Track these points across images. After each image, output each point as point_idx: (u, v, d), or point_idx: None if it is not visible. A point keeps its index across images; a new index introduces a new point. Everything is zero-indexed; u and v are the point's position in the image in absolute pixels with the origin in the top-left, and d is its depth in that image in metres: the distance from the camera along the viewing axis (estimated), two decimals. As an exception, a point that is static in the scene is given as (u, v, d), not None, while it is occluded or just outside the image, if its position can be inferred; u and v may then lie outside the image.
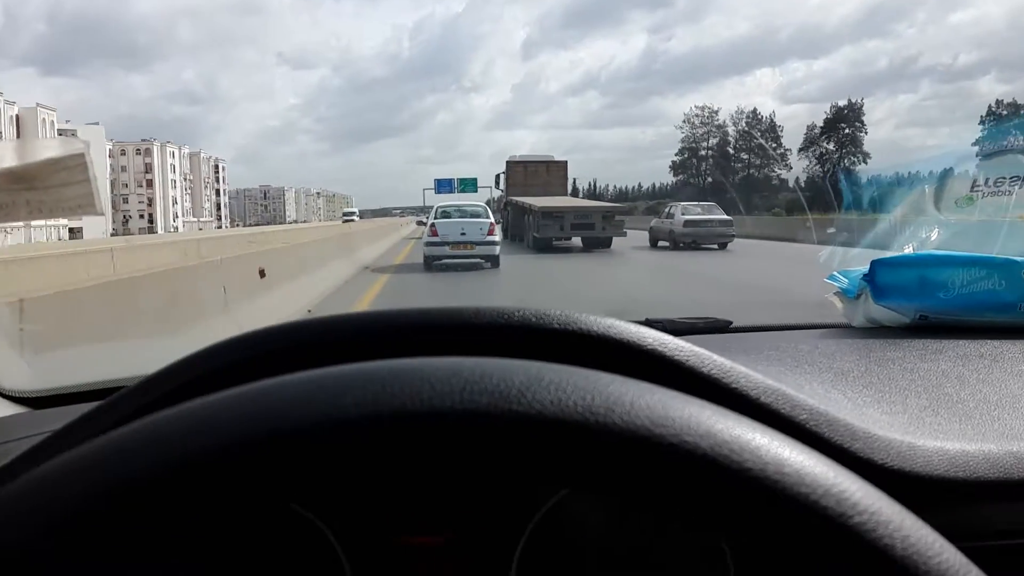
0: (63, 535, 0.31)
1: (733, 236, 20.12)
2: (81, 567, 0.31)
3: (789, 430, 0.49)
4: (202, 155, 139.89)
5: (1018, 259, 1.05)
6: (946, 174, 1.41)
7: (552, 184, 28.90)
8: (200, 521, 0.32)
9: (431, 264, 14.56)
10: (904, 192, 1.36)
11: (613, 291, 10.40)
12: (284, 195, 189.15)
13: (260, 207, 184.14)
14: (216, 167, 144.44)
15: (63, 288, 3.65)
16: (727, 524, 0.33)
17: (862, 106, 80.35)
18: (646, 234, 23.02)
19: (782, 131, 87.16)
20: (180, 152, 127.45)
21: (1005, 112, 66.39)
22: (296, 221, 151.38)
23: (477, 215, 15.38)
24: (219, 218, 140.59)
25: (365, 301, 9.19)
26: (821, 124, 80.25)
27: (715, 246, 19.88)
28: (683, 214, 20.78)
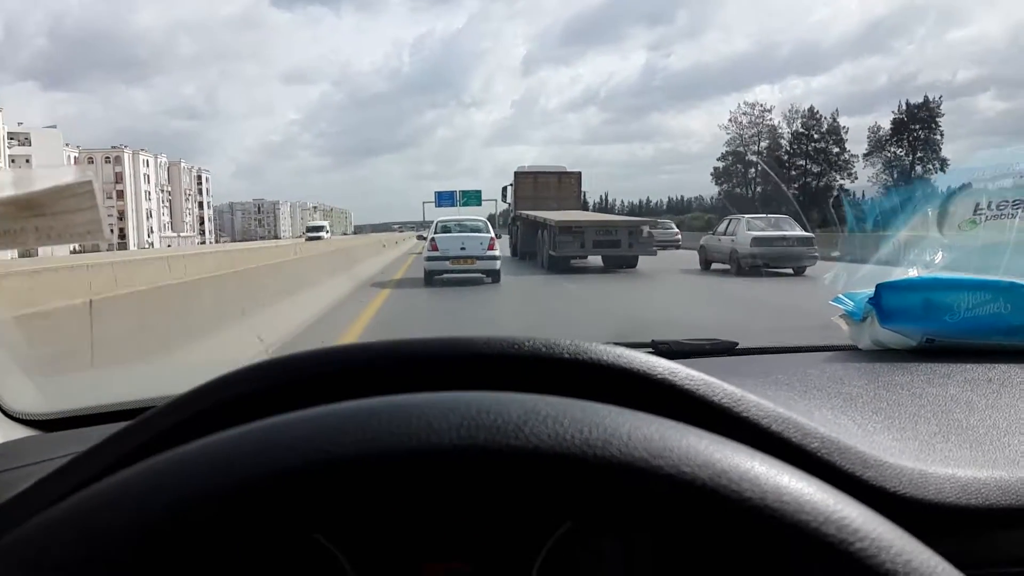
0: (115, 557, 0.32)
1: (816, 258, 15.13)
2: None
3: (800, 459, 0.48)
4: (183, 165, 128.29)
5: (1023, 283, 1.05)
6: (949, 197, 1.41)
7: (565, 197, 26.13)
8: (222, 551, 0.33)
9: (432, 279, 14.47)
10: (908, 215, 1.36)
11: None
12: (278, 209, 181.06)
13: (254, 222, 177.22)
14: (199, 178, 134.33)
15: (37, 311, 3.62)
16: (729, 553, 0.32)
17: (940, 104, 66.11)
18: (677, 255, 20.67)
19: (847, 133, 70.66)
20: (156, 161, 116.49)
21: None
22: (276, 237, 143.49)
23: (477, 229, 15.34)
24: (202, 233, 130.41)
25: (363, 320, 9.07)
26: (890, 125, 66.49)
27: (790, 270, 15.43)
28: (749, 230, 16.01)
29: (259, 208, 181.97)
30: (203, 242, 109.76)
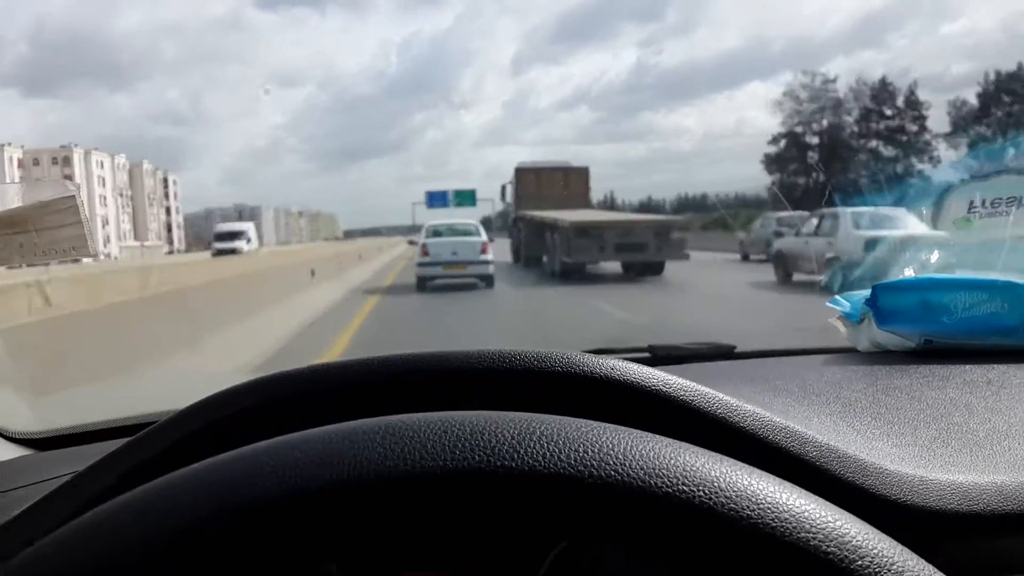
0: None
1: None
2: None
3: (799, 469, 0.48)
4: (146, 167, 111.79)
5: (1019, 281, 1.04)
6: (943, 195, 1.41)
7: (572, 195, 23.21)
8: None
9: (424, 285, 14.32)
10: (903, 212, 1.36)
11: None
12: (261, 214, 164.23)
13: None
14: (165, 181, 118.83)
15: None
16: (728, 572, 0.32)
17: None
18: (708, 256, 17.35)
19: (927, 109, 54.16)
20: (113, 162, 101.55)
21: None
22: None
23: (469, 233, 15.26)
24: (170, 241, 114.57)
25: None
26: (976, 101, 52.05)
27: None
28: (856, 228, 11.56)
29: (240, 214, 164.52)
30: (171, 251, 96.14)
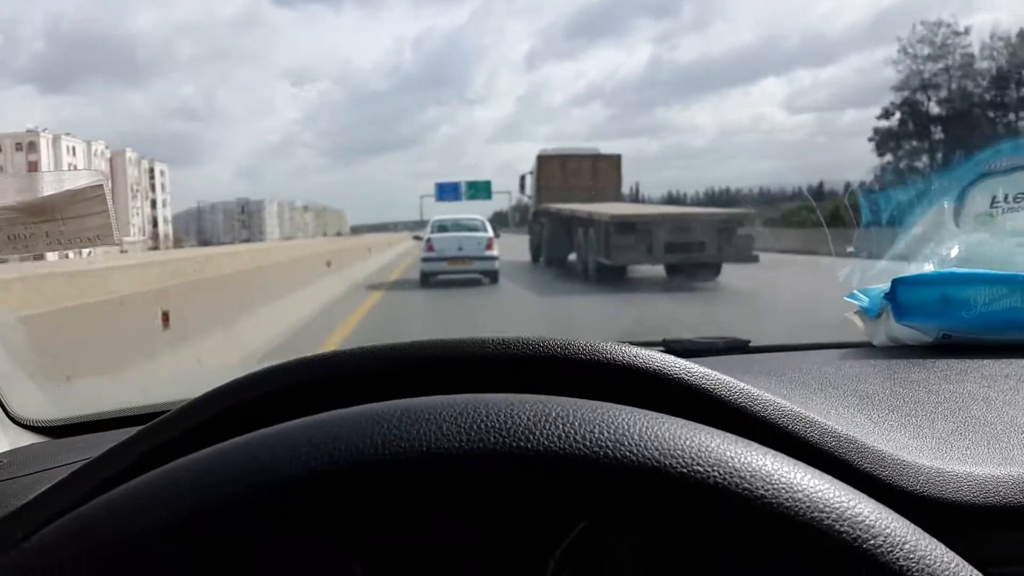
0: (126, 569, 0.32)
1: None
2: None
3: (817, 458, 0.48)
4: (129, 155, 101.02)
5: None
6: (965, 189, 1.40)
7: (602, 187, 19.77)
8: (230, 561, 0.33)
9: (428, 280, 14.25)
10: (923, 208, 1.35)
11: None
12: (264, 209, 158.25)
13: (237, 223, 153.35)
14: (151, 171, 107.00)
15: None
16: (742, 550, 0.32)
17: None
18: (784, 258, 13.33)
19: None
20: (90, 149, 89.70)
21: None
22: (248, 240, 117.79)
23: (475, 228, 15.14)
24: (155, 237, 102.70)
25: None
26: None
27: None
28: None
29: (243, 208, 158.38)
30: (155, 247, 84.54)
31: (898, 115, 43.69)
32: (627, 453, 0.33)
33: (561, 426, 0.34)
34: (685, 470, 0.33)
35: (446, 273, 14.22)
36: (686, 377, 0.48)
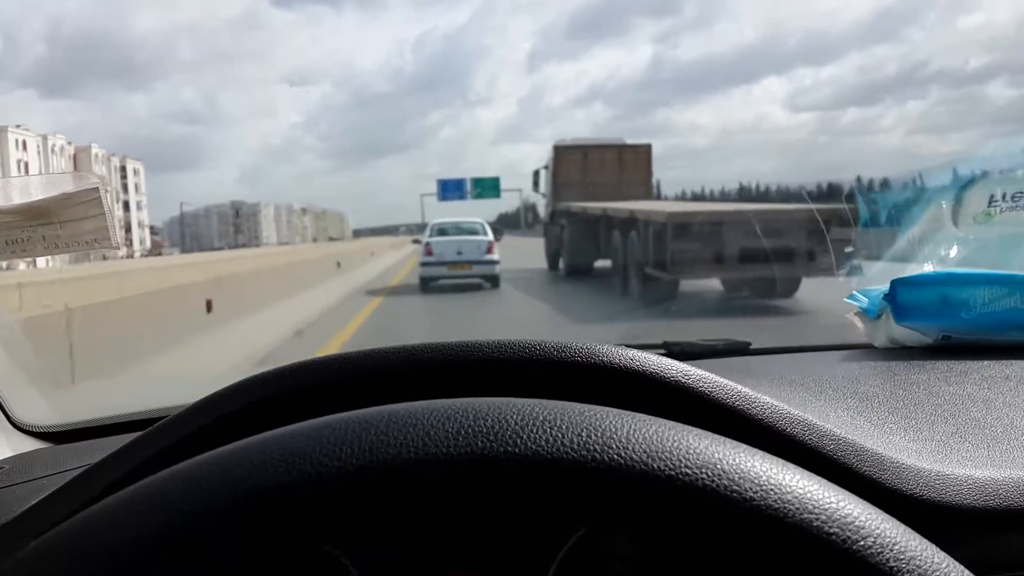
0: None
1: None
2: None
3: (815, 461, 0.48)
4: (95, 152, 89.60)
5: None
6: (963, 189, 1.39)
7: (630, 182, 16.55)
8: (225, 566, 0.33)
9: (427, 285, 14.13)
10: (921, 208, 1.35)
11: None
12: (260, 212, 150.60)
13: (231, 227, 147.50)
14: (123, 170, 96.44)
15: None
16: (732, 552, 0.32)
17: None
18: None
19: None
20: (46, 144, 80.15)
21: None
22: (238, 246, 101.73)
23: (475, 232, 15.03)
24: (128, 243, 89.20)
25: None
26: None
27: None
28: None
29: (237, 212, 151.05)
30: (129, 255, 70.36)
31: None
32: (615, 456, 0.33)
33: (548, 430, 0.34)
34: (673, 472, 0.33)
35: (445, 278, 14.13)
36: (683, 380, 0.48)
